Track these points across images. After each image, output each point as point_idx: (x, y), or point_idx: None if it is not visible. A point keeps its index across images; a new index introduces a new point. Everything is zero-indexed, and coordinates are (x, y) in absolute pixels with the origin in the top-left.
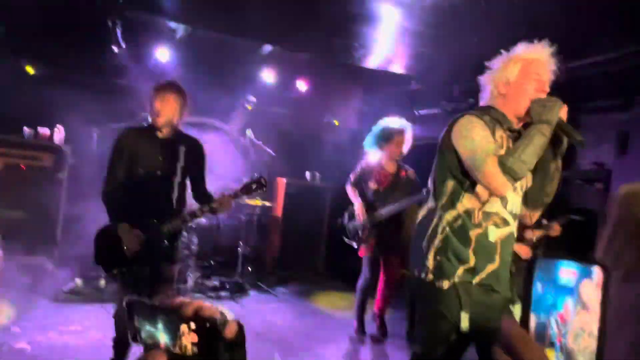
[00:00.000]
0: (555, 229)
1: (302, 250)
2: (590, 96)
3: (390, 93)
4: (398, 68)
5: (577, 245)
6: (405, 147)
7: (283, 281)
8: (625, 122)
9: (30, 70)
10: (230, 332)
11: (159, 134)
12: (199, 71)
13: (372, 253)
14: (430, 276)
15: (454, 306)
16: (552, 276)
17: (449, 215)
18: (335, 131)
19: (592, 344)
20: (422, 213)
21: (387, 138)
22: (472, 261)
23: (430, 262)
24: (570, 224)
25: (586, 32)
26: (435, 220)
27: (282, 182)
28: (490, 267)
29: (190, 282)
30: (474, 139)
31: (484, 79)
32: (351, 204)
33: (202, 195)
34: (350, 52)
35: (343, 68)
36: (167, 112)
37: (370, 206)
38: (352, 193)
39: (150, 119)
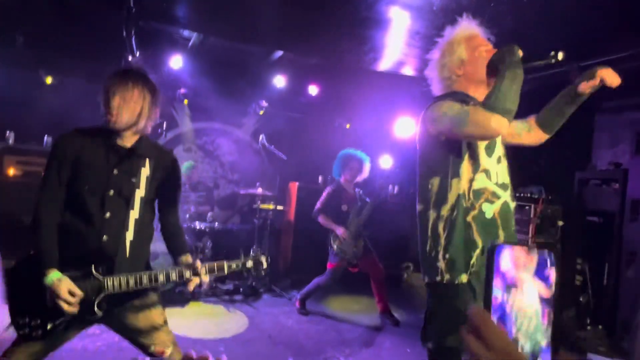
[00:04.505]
0: None
1: (315, 253)
2: (606, 95)
3: (402, 96)
4: (409, 71)
5: (594, 245)
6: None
7: (296, 284)
8: None
9: (48, 80)
10: None
11: (118, 141)
12: (212, 78)
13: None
14: (447, 276)
15: (469, 298)
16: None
17: (444, 211)
18: (346, 134)
19: (531, 325)
20: (417, 218)
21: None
22: (480, 243)
23: (442, 264)
24: (588, 225)
25: (601, 31)
26: (430, 221)
27: (294, 186)
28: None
29: (205, 285)
30: (446, 111)
31: (432, 72)
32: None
33: (171, 230)
34: (360, 55)
35: (354, 71)
36: (129, 111)
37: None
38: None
39: (105, 121)
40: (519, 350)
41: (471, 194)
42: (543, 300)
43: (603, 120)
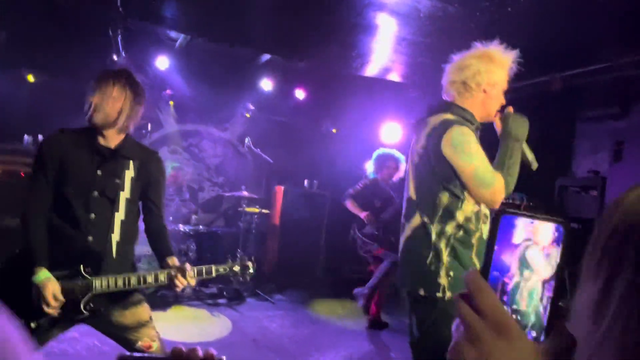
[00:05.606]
0: None
1: (300, 257)
2: (586, 104)
3: (389, 101)
4: (396, 77)
5: (573, 253)
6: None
7: (281, 288)
8: (621, 130)
9: (30, 78)
10: None
11: (101, 140)
12: (198, 79)
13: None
14: (449, 294)
15: None
16: (509, 234)
17: (450, 227)
18: (333, 139)
19: (537, 299)
20: (410, 228)
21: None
22: (476, 263)
23: (444, 280)
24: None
25: (583, 42)
26: (433, 235)
27: (280, 189)
28: None
29: (188, 289)
30: (473, 154)
31: (460, 69)
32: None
33: (156, 231)
34: (348, 61)
35: (341, 76)
36: (107, 107)
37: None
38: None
39: (86, 118)
40: (510, 315)
41: (481, 216)
42: (549, 274)
43: (583, 129)
